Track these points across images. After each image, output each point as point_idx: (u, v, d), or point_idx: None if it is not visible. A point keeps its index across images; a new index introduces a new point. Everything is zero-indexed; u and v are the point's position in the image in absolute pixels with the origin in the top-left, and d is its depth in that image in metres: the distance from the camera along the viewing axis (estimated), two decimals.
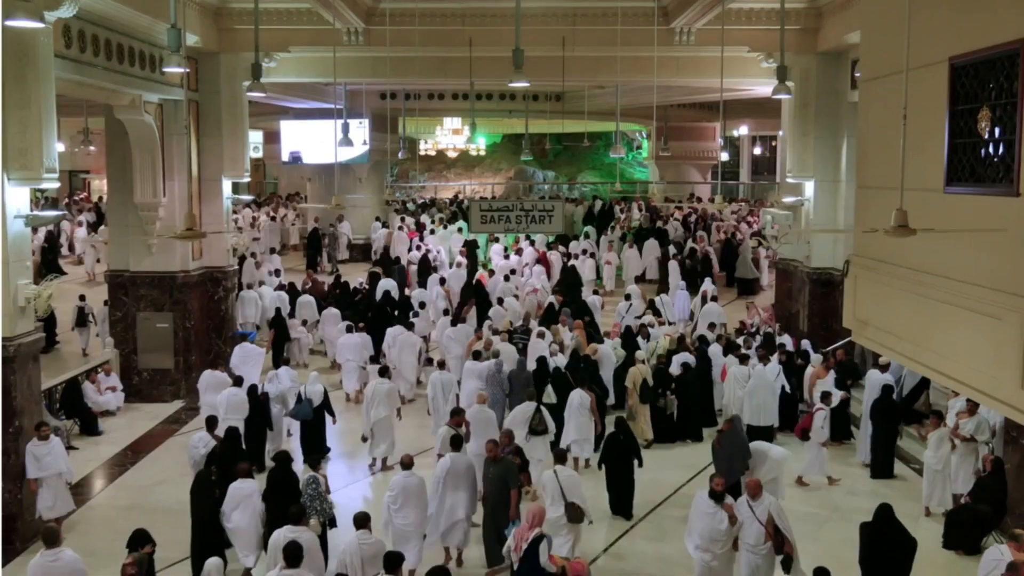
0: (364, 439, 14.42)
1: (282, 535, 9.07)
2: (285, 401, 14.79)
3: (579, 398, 14.19)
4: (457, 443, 11.41)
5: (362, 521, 9.46)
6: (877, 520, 10.28)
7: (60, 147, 15.16)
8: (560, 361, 15.94)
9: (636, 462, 12.82)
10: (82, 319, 20.63)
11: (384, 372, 14.93)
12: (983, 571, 9.31)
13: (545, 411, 13.42)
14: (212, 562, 8.66)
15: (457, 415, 12.54)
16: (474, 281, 23.66)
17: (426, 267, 25.95)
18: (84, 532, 12.34)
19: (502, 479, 11.03)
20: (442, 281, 23.49)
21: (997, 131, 7.17)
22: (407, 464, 10.92)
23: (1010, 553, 9.09)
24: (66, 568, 8.92)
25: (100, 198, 38.93)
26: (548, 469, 11.46)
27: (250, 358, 17.31)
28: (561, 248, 27.51)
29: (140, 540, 9.13)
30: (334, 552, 10.11)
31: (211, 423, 12.55)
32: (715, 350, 17.42)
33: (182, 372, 18.22)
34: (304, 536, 9.14)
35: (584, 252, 26.90)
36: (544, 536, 9.43)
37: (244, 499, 10.41)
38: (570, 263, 25.66)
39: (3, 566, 11.31)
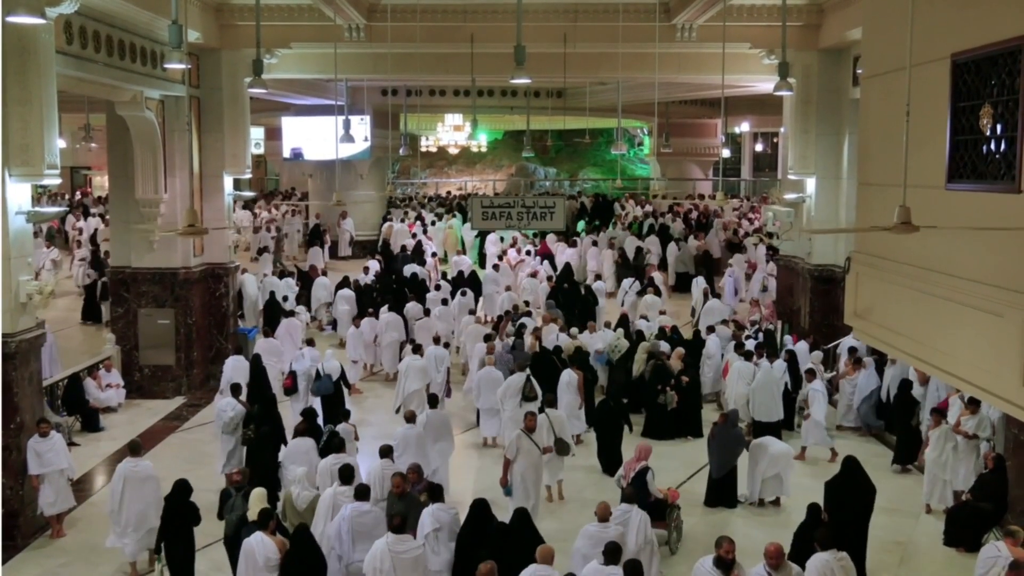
0: (398, 411, 15.07)
1: (329, 462, 11.16)
2: (310, 377, 15.82)
3: (568, 377, 15.21)
4: (434, 401, 13.68)
5: (386, 452, 11.33)
6: (844, 470, 11.05)
7: (61, 143, 15.16)
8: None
9: (627, 427, 14.13)
10: (105, 293, 21.80)
11: (417, 350, 16.30)
12: (980, 568, 9.31)
13: (534, 380, 14.67)
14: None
15: (530, 417, 12.17)
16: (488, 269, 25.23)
17: (418, 254, 27.30)
18: (85, 528, 12.34)
19: (402, 520, 9.44)
20: (422, 263, 25.70)
21: (999, 128, 7.16)
22: (410, 418, 12.72)
23: (1007, 550, 9.09)
24: (143, 473, 11.16)
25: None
26: (542, 415, 12.97)
27: (295, 328, 19.37)
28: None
29: (182, 489, 10.30)
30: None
31: (235, 389, 13.92)
32: (723, 345, 17.74)
33: (183, 368, 18.23)
34: (347, 460, 11.07)
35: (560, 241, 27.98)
36: (649, 468, 11.31)
37: (302, 454, 11.86)
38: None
39: (4, 563, 11.32)
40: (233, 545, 9.76)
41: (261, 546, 9.01)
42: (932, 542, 12.02)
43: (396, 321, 19.35)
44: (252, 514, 9.66)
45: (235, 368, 15.98)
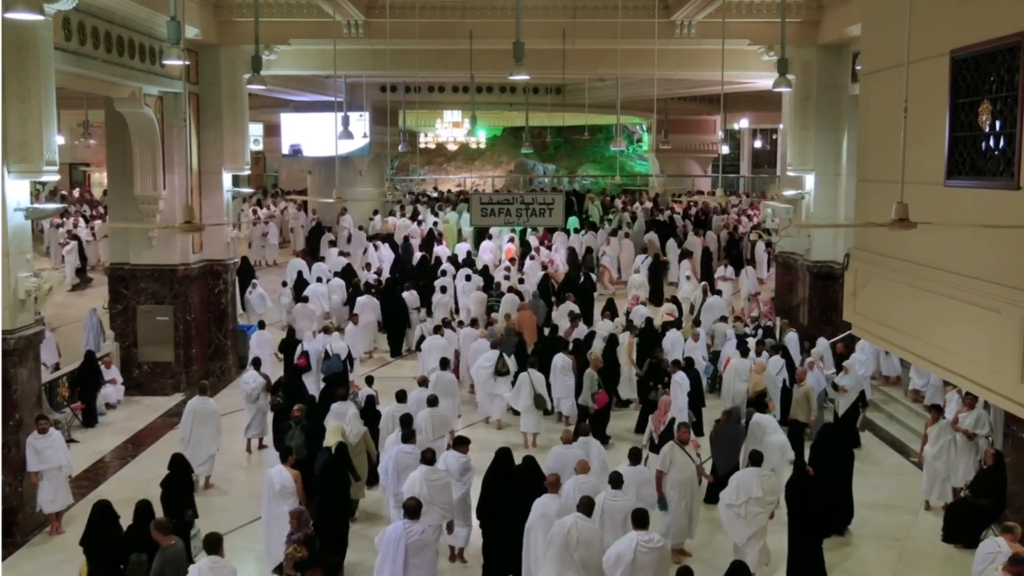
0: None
1: (392, 409, 13.12)
2: (319, 357, 17.14)
3: (561, 361, 16.07)
4: (445, 364, 15.56)
5: (433, 402, 13.18)
6: (822, 435, 12.44)
7: (60, 140, 15.16)
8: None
9: (615, 399, 15.91)
10: None
11: (438, 330, 17.93)
12: (980, 564, 9.31)
13: (505, 356, 16.19)
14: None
15: (684, 429, 11.79)
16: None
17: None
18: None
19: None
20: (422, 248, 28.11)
21: (998, 124, 7.17)
22: (422, 383, 14.41)
23: (1007, 545, 9.08)
24: (208, 409, 13.58)
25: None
26: (524, 373, 15.39)
27: (323, 295, 22.00)
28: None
29: (179, 465, 11.16)
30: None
31: (256, 363, 15.58)
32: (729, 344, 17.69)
33: (182, 365, 18.22)
34: (406, 410, 12.88)
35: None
36: (675, 419, 12.84)
37: (342, 416, 13.12)
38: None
39: (3, 559, 11.32)
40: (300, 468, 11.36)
41: (279, 476, 10.70)
42: (931, 538, 12.02)
43: (372, 303, 20.79)
44: (328, 442, 11.78)
45: (259, 342, 17.92)
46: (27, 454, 11.80)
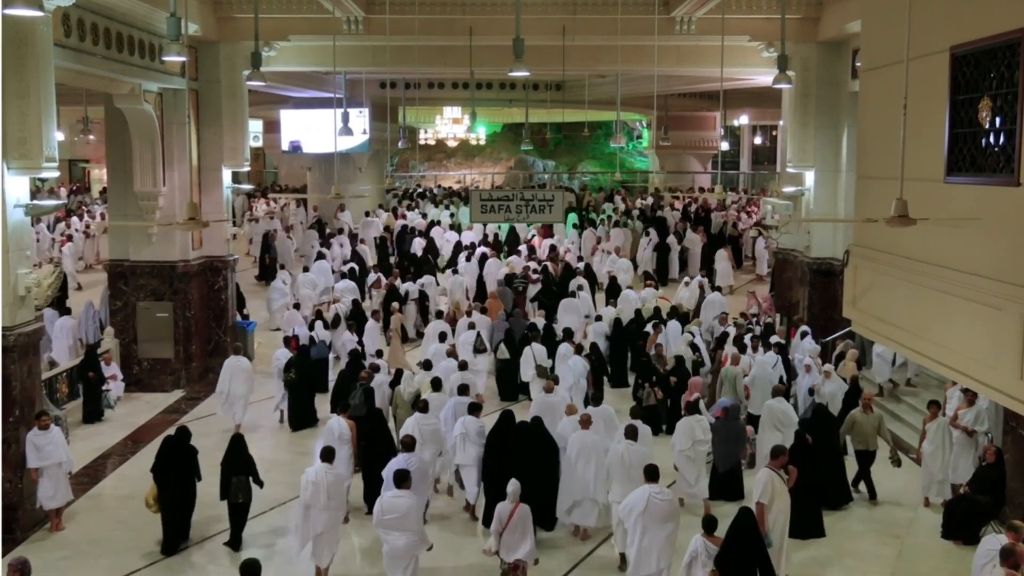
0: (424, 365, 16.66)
1: (422, 376, 14.73)
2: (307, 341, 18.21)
3: (565, 349, 16.69)
4: (443, 338, 16.98)
5: (463, 366, 15.05)
6: (815, 415, 13.05)
7: (60, 136, 15.16)
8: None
9: (606, 378, 17.21)
10: None
11: (440, 315, 19.08)
12: (979, 560, 9.32)
13: (483, 335, 17.56)
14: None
15: (783, 454, 10.91)
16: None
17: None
18: (84, 521, 12.35)
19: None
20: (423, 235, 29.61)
21: (998, 121, 7.17)
22: (450, 353, 15.90)
23: (1008, 543, 9.09)
24: (243, 365, 15.65)
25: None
26: (528, 348, 16.79)
27: (325, 271, 24.30)
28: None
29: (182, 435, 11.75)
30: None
31: (287, 341, 17.24)
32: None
33: (182, 362, 18.22)
34: (436, 375, 14.44)
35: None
36: (701, 397, 13.79)
37: (381, 386, 14.55)
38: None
39: (3, 556, 11.32)
40: (360, 421, 12.87)
41: (337, 424, 12.50)
42: (930, 535, 12.03)
43: (351, 287, 22.40)
44: (423, 393, 13.78)
45: (290, 321, 19.62)
46: (27, 450, 11.78)
